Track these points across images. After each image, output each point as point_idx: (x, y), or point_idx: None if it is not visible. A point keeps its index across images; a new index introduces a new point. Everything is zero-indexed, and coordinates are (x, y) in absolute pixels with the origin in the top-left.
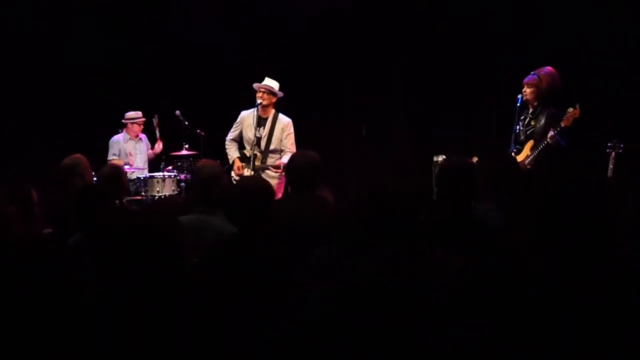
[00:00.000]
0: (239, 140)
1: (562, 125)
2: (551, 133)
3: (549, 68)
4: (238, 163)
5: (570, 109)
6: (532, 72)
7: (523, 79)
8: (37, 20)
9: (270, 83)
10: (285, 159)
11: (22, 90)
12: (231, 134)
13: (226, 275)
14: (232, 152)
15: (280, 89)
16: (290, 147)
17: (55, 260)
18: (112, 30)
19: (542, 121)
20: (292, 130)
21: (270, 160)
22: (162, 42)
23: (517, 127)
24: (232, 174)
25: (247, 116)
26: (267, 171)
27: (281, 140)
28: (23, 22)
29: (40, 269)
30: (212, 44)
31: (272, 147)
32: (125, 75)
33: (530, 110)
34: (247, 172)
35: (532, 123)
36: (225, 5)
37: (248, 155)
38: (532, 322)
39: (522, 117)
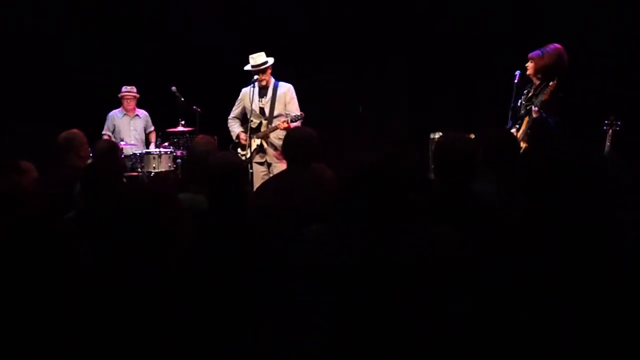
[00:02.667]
0: (241, 118)
1: (543, 99)
2: (534, 108)
3: (556, 45)
4: (243, 135)
5: (551, 83)
6: (540, 48)
7: (520, 55)
8: (39, 17)
9: (259, 60)
10: (293, 125)
11: (22, 77)
12: (233, 112)
13: (205, 254)
14: (235, 128)
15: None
16: (295, 111)
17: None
18: (112, 28)
19: (545, 98)
20: (294, 94)
21: None
22: (162, 42)
23: (519, 101)
24: (239, 150)
25: (248, 91)
26: (272, 136)
27: (285, 106)
28: (24, 14)
29: (46, 244)
30: (212, 43)
31: (276, 112)
32: (123, 52)
33: (534, 85)
34: (255, 142)
35: (534, 100)
36: (225, 5)
37: (254, 126)
38: (530, 298)
39: (525, 92)
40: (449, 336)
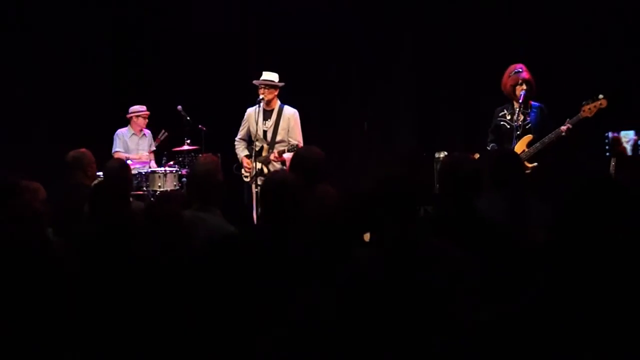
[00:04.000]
0: (247, 139)
1: (581, 117)
2: (569, 126)
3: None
4: (246, 160)
5: (590, 102)
6: (518, 69)
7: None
8: (42, 17)
9: (269, 77)
10: (287, 154)
11: (27, 85)
12: (239, 133)
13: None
14: (240, 151)
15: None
16: (297, 137)
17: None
18: (117, 28)
19: (535, 116)
20: (298, 121)
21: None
22: (164, 40)
23: (500, 122)
24: (243, 171)
25: (253, 112)
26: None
27: (288, 131)
28: (29, 17)
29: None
30: (213, 41)
31: (278, 138)
32: (129, 72)
33: (522, 106)
34: (257, 166)
35: (528, 118)
36: (228, 18)
37: (257, 149)
38: (538, 314)
39: (504, 112)
40: (463, 350)
